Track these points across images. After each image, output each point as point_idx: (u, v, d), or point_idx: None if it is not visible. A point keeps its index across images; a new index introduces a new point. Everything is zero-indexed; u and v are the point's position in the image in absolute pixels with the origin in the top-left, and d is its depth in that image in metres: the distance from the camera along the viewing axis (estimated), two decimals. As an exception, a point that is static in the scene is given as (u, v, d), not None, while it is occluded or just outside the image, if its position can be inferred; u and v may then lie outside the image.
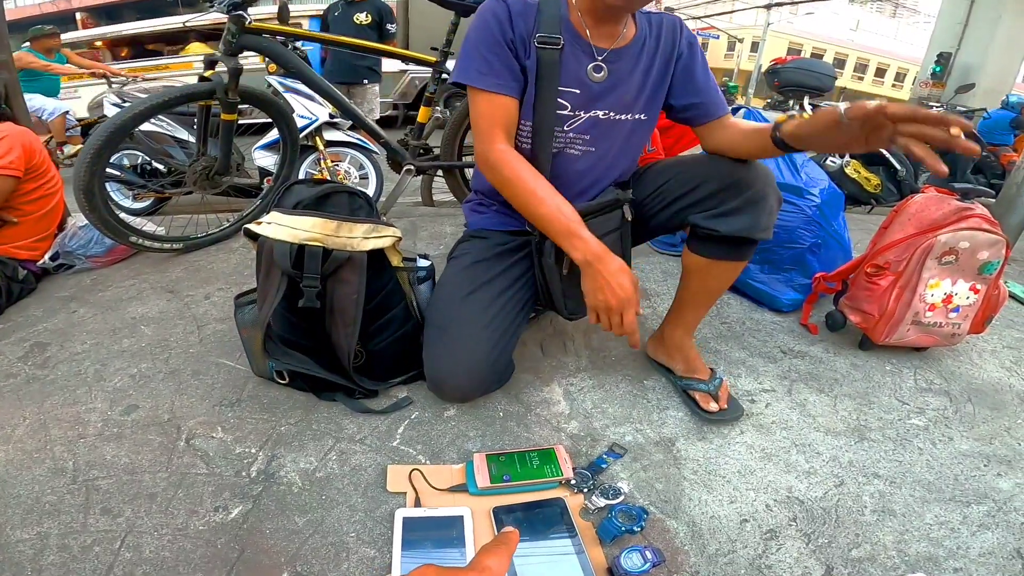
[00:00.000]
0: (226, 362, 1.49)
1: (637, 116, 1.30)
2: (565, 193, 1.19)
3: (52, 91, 5.40)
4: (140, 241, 1.98)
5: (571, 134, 1.28)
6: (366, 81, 4.85)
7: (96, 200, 1.78)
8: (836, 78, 3.98)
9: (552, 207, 1.14)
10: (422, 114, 2.49)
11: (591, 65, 1.22)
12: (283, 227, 1.24)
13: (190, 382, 1.42)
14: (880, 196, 3.74)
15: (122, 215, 1.97)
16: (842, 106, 0.94)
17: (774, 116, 1.48)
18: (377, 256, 1.31)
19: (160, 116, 3.00)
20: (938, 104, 5.37)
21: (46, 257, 2.01)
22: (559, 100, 1.22)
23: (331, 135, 3.14)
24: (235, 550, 0.99)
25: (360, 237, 1.27)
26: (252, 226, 1.28)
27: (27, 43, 5.17)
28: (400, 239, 1.35)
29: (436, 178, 3.06)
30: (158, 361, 1.50)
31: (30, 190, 1.93)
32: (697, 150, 1.39)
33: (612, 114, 1.27)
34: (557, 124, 1.25)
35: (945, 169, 0.87)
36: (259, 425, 1.28)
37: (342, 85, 4.65)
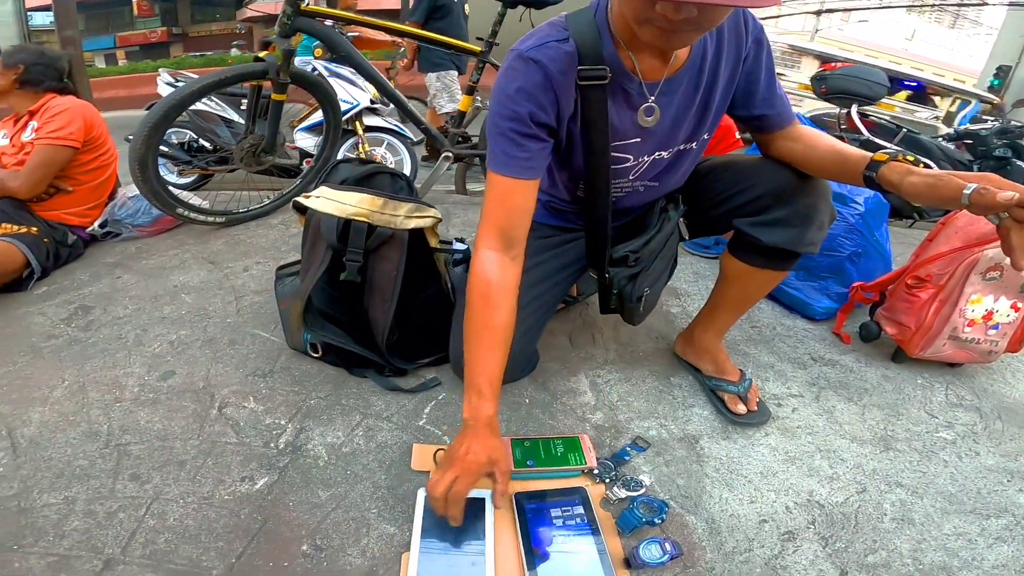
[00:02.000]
0: (261, 333, 1.54)
1: (702, 138, 1.18)
2: (618, 218, 1.15)
3: None
4: (186, 213, 2.05)
5: (637, 183, 1.20)
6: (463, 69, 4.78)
7: (149, 172, 1.85)
8: (888, 86, 3.82)
9: (486, 356, 1.04)
10: (464, 102, 2.52)
11: (643, 107, 1.07)
12: (331, 201, 1.28)
13: (226, 351, 1.46)
14: (924, 211, 3.62)
15: (171, 188, 2.04)
16: (969, 188, 0.85)
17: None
18: (417, 236, 1.33)
19: (211, 96, 3.09)
20: (993, 118, 5.18)
21: (95, 224, 2.09)
22: (617, 154, 1.11)
23: (370, 120, 3.19)
24: (257, 521, 1.01)
25: (403, 216, 1.29)
26: (301, 199, 1.31)
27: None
28: (440, 221, 1.37)
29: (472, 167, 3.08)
30: (196, 329, 1.55)
31: (86, 161, 2.02)
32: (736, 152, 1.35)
33: (675, 149, 1.16)
34: (621, 176, 1.16)
35: None
36: (290, 397, 1.31)
37: (453, 72, 4.50)
